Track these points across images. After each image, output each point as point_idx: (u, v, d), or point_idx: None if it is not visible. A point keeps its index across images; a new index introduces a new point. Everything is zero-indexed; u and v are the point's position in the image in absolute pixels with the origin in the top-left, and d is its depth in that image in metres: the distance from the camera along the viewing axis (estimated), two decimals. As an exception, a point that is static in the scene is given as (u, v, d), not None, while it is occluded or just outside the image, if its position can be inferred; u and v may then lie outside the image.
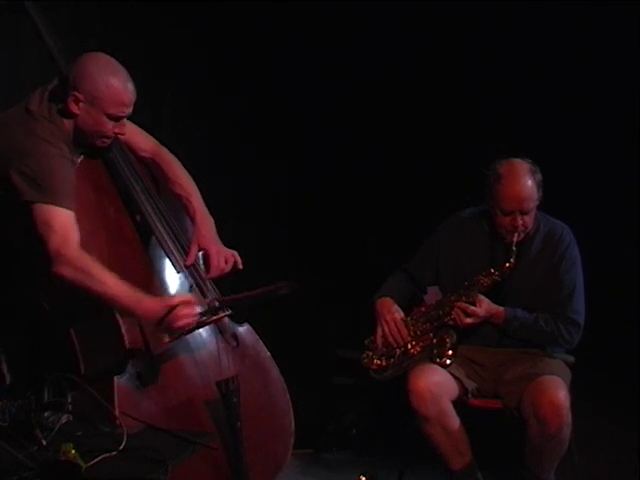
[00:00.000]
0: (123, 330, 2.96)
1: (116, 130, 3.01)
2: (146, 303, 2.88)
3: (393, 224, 4.88)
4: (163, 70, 4.52)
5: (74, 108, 2.95)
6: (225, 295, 3.20)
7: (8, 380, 3.02)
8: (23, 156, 2.87)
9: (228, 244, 3.28)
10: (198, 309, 3.00)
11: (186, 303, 2.92)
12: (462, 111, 4.72)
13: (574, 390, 3.57)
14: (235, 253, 3.25)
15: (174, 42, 4.60)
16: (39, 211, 2.84)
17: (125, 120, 3.04)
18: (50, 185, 2.85)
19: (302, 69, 4.91)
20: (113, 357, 2.96)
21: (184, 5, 4.54)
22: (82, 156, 3.07)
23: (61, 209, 2.85)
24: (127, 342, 2.96)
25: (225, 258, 3.21)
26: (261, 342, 3.35)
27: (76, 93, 2.93)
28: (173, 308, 2.87)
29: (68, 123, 2.98)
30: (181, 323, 2.90)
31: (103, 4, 4.20)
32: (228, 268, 3.21)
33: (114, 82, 2.95)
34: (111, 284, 2.84)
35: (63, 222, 2.85)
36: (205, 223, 3.23)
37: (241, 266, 3.25)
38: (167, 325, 2.89)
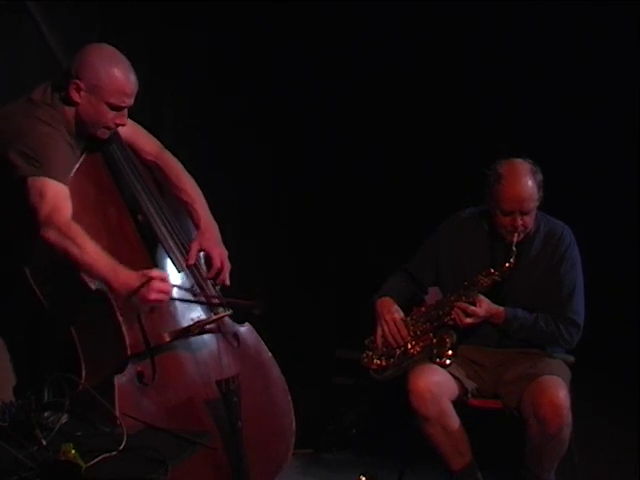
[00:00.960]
0: (124, 329, 2.96)
1: (117, 121, 3.01)
2: (123, 274, 2.87)
3: (393, 224, 4.88)
4: (163, 70, 4.52)
5: (75, 96, 2.96)
6: (225, 295, 3.20)
7: (9, 380, 3.02)
8: (22, 136, 2.88)
9: (228, 244, 3.28)
10: (170, 287, 2.96)
11: (162, 278, 2.91)
12: (462, 111, 4.72)
13: (574, 390, 3.57)
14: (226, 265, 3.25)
15: (174, 42, 4.60)
16: (32, 184, 2.85)
17: (127, 116, 3.04)
18: (46, 160, 2.86)
19: (302, 69, 4.91)
20: (114, 356, 2.96)
21: (184, 5, 4.54)
22: (84, 154, 3.07)
23: (55, 182, 2.86)
24: (128, 341, 2.96)
25: (220, 254, 3.22)
26: (262, 342, 3.35)
27: (77, 81, 2.95)
28: (149, 280, 2.85)
29: (69, 112, 2.99)
30: (154, 296, 2.87)
31: (103, 4, 4.20)
32: (226, 271, 3.22)
33: (116, 71, 2.96)
34: (91, 252, 2.84)
35: (56, 193, 2.85)
36: (209, 228, 3.24)
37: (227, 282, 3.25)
38: (140, 298, 2.87)
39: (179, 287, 3.09)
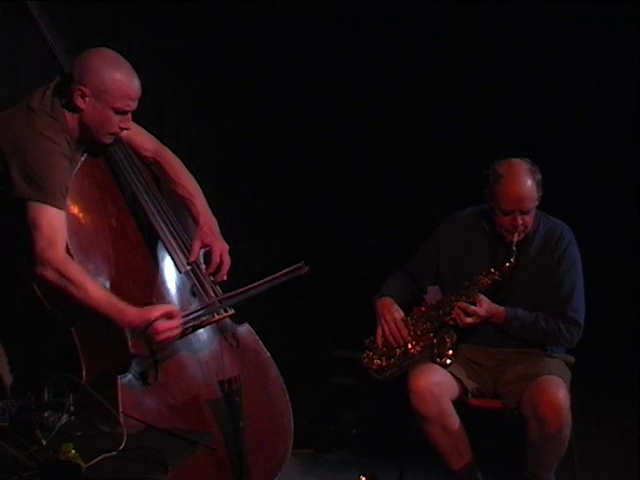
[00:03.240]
0: (126, 329, 2.95)
1: (122, 125, 3.00)
2: (127, 314, 2.86)
3: (393, 224, 4.87)
4: (163, 70, 4.52)
5: (80, 103, 2.95)
6: (225, 293, 3.20)
7: (9, 380, 3.02)
8: (22, 151, 2.87)
9: (227, 242, 3.28)
10: (180, 320, 2.93)
11: (168, 315, 2.89)
12: (462, 111, 4.72)
13: (574, 390, 3.57)
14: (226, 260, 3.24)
15: (174, 42, 4.60)
16: (30, 209, 2.84)
17: (130, 120, 3.03)
18: (43, 183, 2.84)
19: (303, 68, 4.91)
20: (116, 356, 2.96)
21: (184, 5, 4.54)
22: (85, 155, 3.06)
23: (50, 208, 2.84)
24: (130, 341, 2.96)
25: (220, 248, 3.21)
26: (261, 342, 3.35)
27: (82, 87, 2.93)
28: (152, 322, 2.84)
29: (72, 119, 2.98)
30: (162, 337, 2.87)
31: (103, 4, 4.20)
32: (227, 267, 3.21)
33: (120, 76, 2.95)
34: (92, 292, 2.83)
35: (50, 222, 2.84)
36: (208, 224, 3.23)
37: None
38: (148, 338, 2.88)
39: (188, 311, 3.06)
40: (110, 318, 2.86)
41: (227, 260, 3.21)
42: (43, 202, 2.84)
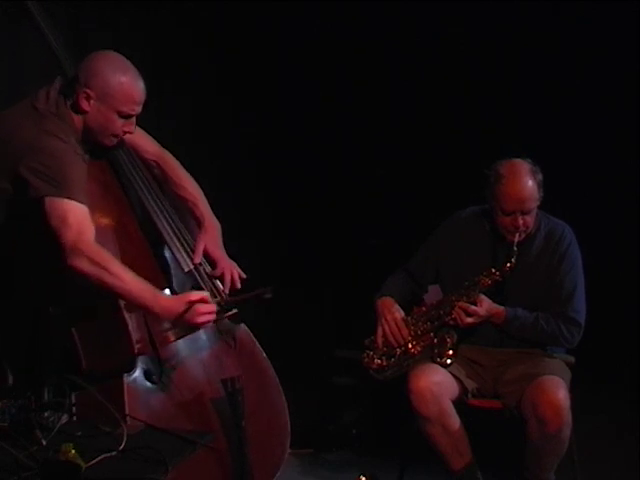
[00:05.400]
0: (130, 328, 2.96)
1: (125, 128, 3.00)
2: (163, 300, 2.89)
3: (393, 224, 4.87)
4: (163, 71, 4.52)
5: (85, 105, 2.95)
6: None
7: (9, 380, 3.01)
8: (34, 152, 2.85)
9: (227, 244, 3.28)
10: (214, 306, 2.98)
11: (204, 300, 2.92)
12: (463, 111, 4.72)
13: (574, 390, 3.57)
14: (234, 265, 3.25)
15: (173, 42, 4.60)
16: (53, 205, 2.81)
17: (135, 124, 3.03)
18: (64, 179, 2.83)
19: (303, 68, 4.91)
20: (119, 356, 2.96)
21: (183, 5, 4.54)
22: (88, 156, 3.05)
23: (75, 203, 2.83)
24: (134, 341, 2.96)
25: (229, 267, 3.23)
26: (257, 343, 3.36)
27: (87, 90, 2.93)
28: (192, 304, 2.87)
29: (77, 121, 2.97)
30: (202, 319, 2.90)
31: (103, 4, 4.20)
32: (229, 277, 3.22)
33: (126, 80, 2.95)
34: (127, 279, 2.83)
35: (78, 216, 2.83)
36: (212, 227, 3.24)
37: (243, 275, 3.25)
38: (186, 321, 2.89)
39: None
40: (146, 305, 2.86)
41: (237, 278, 3.23)
42: (66, 197, 2.82)
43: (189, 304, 2.87)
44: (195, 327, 3.00)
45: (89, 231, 2.84)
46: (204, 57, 4.78)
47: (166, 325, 3.01)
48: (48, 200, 2.82)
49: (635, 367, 4.26)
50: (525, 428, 3.51)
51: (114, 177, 3.14)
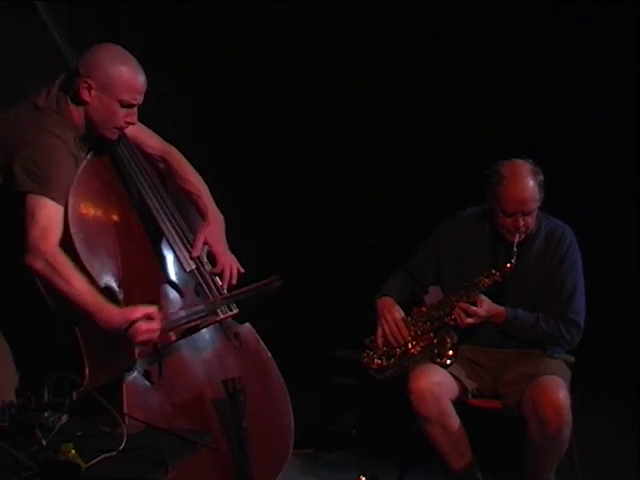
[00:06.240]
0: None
1: (127, 119, 3.01)
2: (107, 312, 2.83)
3: (393, 224, 4.87)
4: (163, 70, 4.51)
5: (85, 96, 2.95)
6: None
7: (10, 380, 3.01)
8: (27, 147, 2.86)
9: (229, 242, 3.28)
10: (162, 323, 2.90)
11: (149, 316, 2.86)
12: (463, 111, 4.72)
13: (574, 390, 3.57)
14: (234, 260, 3.25)
15: (173, 42, 4.60)
16: (30, 201, 2.83)
17: (137, 115, 3.03)
18: (45, 177, 2.84)
19: (303, 68, 4.90)
20: (120, 355, 2.95)
21: (184, 5, 4.54)
22: (90, 153, 3.06)
23: (50, 201, 2.83)
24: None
25: (229, 263, 3.22)
26: (262, 342, 3.35)
27: (88, 80, 2.94)
28: (133, 322, 2.82)
29: (77, 114, 2.98)
30: (141, 338, 2.85)
31: (103, 4, 4.20)
32: (228, 272, 3.21)
33: (126, 69, 2.96)
34: (77, 286, 2.80)
35: (48, 215, 2.83)
36: (215, 220, 3.24)
37: (242, 270, 3.24)
38: (127, 338, 2.84)
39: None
40: (90, 314, 2.83)
41: (235, 274, 3.22)
42: (41, 194, 2.83)
43: (129, 322, 2.81)
44: (196, 327, 3.00)
45: (55, 233, 2.84)
46: (204, 57, 4.78)
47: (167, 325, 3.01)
48: (27, 196, 2.83)
49: (635, 367, 4.26)
50: (525, 428, 3.51)
51: (116, 174, 3.13)
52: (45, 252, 2.80)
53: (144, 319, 2.85)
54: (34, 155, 2.85)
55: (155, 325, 2.87)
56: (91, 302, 2.82)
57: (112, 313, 2.84)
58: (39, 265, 2.80)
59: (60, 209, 2.87)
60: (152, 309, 2.90)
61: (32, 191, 2.83)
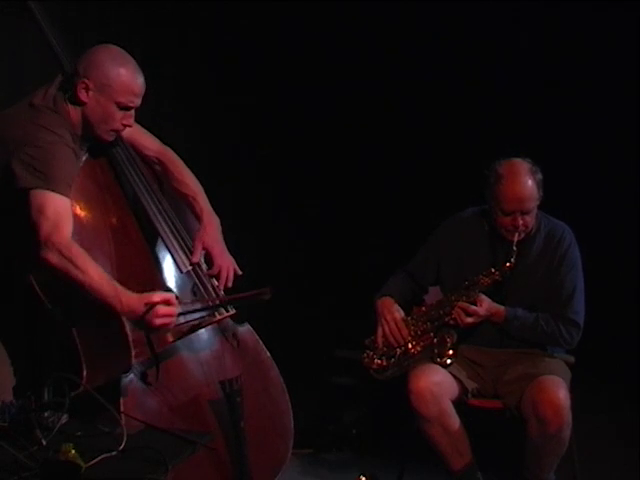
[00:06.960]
0: (127, 329, 2.94)
1: (124, 122, 3.00)
2: (126, 298, 2.83)
3: (393, 224, 4.87)
4: (162, 70, 4.52)
5: (83, 96, 2.95)
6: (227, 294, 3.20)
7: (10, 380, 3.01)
8: (25, 144, 2.86)
9: (228, 243, 3.28)
10: (180, 309, 2.93)
11: (166, 301, 2.87)
12: (462, 111, 4.72)
13: (574, 390, 3.57)
14: (232, 261, 3.24)
15: (173, 42, 4.60)
16: (34, 196, 2.82)
17: (133, 117, 3.03)
18: (47, 171, 2.83)
19: (303, 68, 4.90)
20: (117, 357, 2.95)
21: (183, 5, 4.54)
22: (87, 155, 3.06)
23: (56, 195, 2.83)
24: (131, 341, 2.95)
25: (227, 264, 3.21)
26: (261, 342, 3.35)
27: (86, 80, 2.93)
28: (153, 306, 2.83)
29: (74, 114, 2.97)
30: (160, 322, 2.85)
31: (103, 4, 4.20)
32: (225, 274, 3.21)
33: (125, 71, 2.95)
34: (93, 275, 2.80)
35: (56, 208, 2.82)
36: (211, 222, 3.23)
37: (239, 272, 3.24)
38: (146, 323, 2.85)
39: (185, 303, 3.06)
40: (109, 301, 2.83)
41: (232, 276, 3.22)
42: (47, 189, 2.82)
43: (149, 305, 2.82)
44: (193, 328, 3.00)
45: (66, 225, 2.83)
46: (204, 57, 4.78)
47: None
48: (31, 192, 2.82)
49: (635, 367, 4.27)
50: (525, 428, 3.51)
51: (113, 176, 3.13)
52: (59, 245, 2.79)
53: (163, 304, 2.85)
54: (33, 152, 2.84)
55: (173, 310, 2.88)
56: (109, 289, 2.82)
57: (131, 298, 2.84)
58: (55, 259, 2.79)
59: (67, 201, 2.86)
60: (170, 295, 2.92)
61: (36, 187, 2.82)
